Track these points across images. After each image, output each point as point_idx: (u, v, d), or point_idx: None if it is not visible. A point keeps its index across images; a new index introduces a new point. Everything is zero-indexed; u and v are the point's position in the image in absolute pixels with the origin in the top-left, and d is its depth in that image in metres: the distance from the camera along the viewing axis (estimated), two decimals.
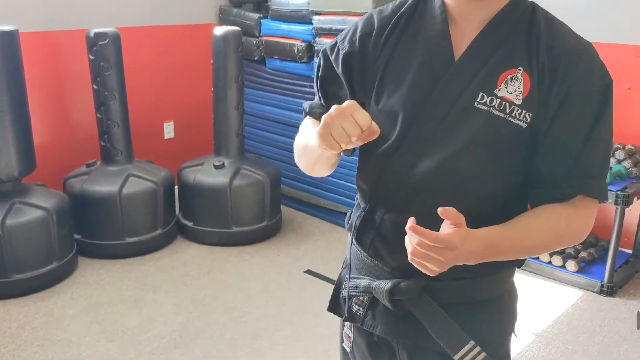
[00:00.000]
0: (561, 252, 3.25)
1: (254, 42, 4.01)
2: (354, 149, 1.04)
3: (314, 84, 1.25)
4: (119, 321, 2.79)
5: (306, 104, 1.26)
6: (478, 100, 1.03)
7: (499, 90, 1.02)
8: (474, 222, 0.99)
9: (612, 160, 3.13)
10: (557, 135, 1.02)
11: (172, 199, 3.59)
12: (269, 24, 3.93)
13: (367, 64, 1.12)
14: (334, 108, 0.94)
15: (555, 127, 1.02)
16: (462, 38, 1.06)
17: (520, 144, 1.04)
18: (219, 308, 2.92)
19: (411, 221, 0.95)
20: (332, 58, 1.19)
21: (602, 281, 3.07)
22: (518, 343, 2.63)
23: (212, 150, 3.76)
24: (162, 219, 3.47)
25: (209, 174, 3.54)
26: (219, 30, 3.52)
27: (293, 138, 1.27)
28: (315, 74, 1.24)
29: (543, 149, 1.04)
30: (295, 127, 1.33)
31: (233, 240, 3.56)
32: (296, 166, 1.27)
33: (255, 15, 4.01)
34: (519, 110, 1.02)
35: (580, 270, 3.16)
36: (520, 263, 1.17)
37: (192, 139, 4.28)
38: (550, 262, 3.23)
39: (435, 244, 0.92)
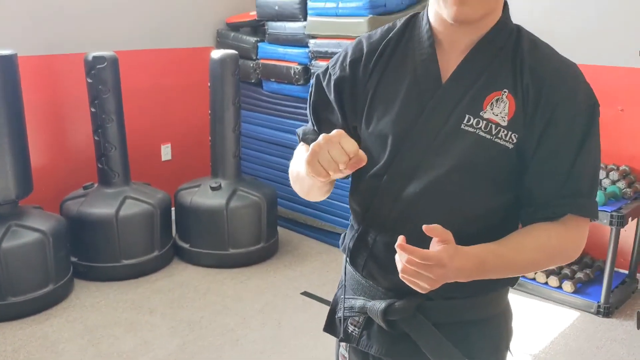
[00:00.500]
0: (557, 273, 3.25)
1: (251, 65, 4.05)
2: (348, 175, 1.06)
3: (307, 110, 1.27)
4: (114, 344, 2.77)
5: (300, 130, 1.29)
6: (465, 122, 1.05)
7: (485, 112, 1.05)
8: (464, 241, 1.00)
9: (607, 181, 3.15)
10: (544, 155, 1.04)
11: (168, 221, 3.59)
12: (265, 47, 3.97)
13: (357, 88, 1.15)
14: (321, 137, 0.97)
15: (542, 148, 1.04)
16: (449, 61, 1.08)
17: (507, 165, 1.06)
18: (215, 331, 2.91)
19: (400, 239, 0.96)
20: (324, 84, 1.21)
21: (598, 302, 3.07)
22: None
23: (209, 172, 3.77)
24: (159, 241, 3.47)
25: (205, 195, 3.55)
26: (217, 54, 3.56)
27: (289, 160, 1.29)
28: (308, 100, 1.27)
29: (532, 169, 1.05)
30: (291, 149, 1.35)
31: (229, 262, 3.55)
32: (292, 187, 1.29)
33: (253, 39, 4.06)
34: (505, 132, 1.04)
35: (576, 291, 3.16)
36: (512, 282, 1.18)
37: (189, 161, 4.30)
38: (546, 283, 3.23)
39: (424, 261, 0.94)
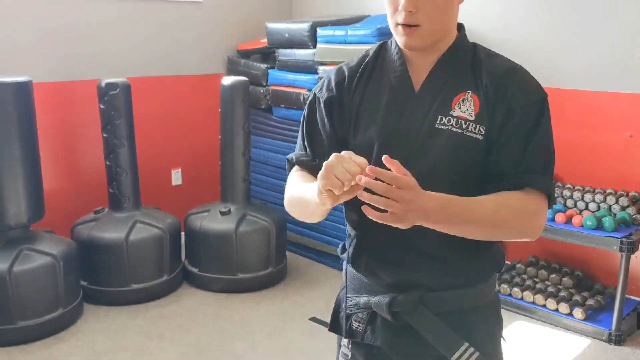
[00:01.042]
0: (568, 300, 3.23)
1: (261, 91, 4.10)
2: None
3: (300, 134, 1.38)
4: None
5: (291, 156, 1.38)
6: (438, 122, 1.23)
7: (454, 111, 1.22)
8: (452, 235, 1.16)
9: (617, 207, 3.13)
10: (503, 140, 1.21)
11: (178, 246, 3.61)
12: (275, 74, 4.03)
13: (344, 105, 1.32)
14: (333, 155, 1.07)
15: (502, 134, 1.21)
16: (419, 75, 1.27)
17: (479, 153, 1.21)
18: (223, 356, 2.90)
19: (384, 158, 1.05)
20: (315, 107, 1.35)
21: (610, 329, 3.04)
22: None
23: (219, 196, 3.80)
24: (168, 265, 3.49)
25: (215, 220, 3.56)
26: (227, 80, 3.61)
27: None
28: (301, 124, 1.39)
29: (494, 152, 1.22)
30: None
31: (238, 287, 3.56)
32: None
33: (263, 66, 4.11)
34: (474, 125, 1.21)
35: (587, 318, 3.13)
36: (499, 267, 1.32)
37: (199, 186, 4.33)
38: (557, 310, 3.20)
39: (394, 180, 1.03)
